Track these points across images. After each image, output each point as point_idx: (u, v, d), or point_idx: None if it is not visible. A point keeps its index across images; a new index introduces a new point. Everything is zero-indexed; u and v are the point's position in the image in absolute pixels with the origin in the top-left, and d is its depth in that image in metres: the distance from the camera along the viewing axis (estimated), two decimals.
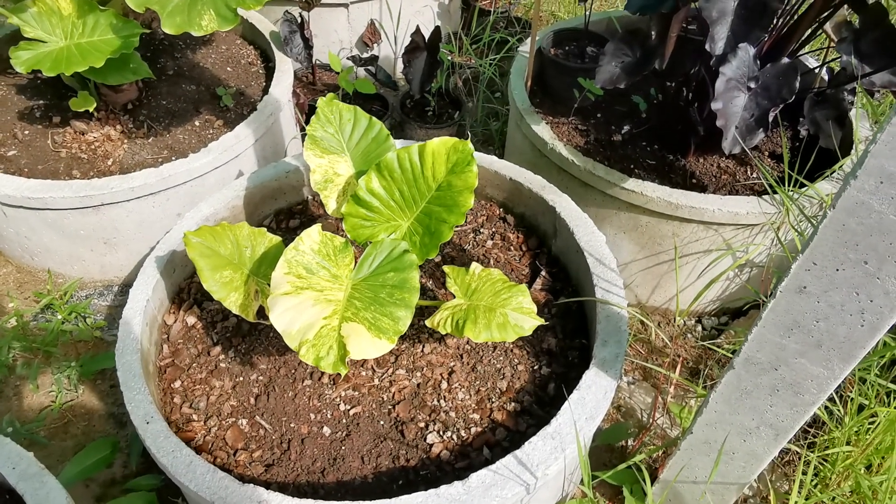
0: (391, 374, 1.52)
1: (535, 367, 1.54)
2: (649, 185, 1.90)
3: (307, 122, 1.48)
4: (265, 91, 2.33)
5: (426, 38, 2.48)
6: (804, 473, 1.55)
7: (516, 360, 1.55)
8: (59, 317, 2.03)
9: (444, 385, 1.50)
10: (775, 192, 1.86)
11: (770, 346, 1.04)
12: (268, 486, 1.33)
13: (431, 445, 1.40)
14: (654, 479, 1.55)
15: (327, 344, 1.13)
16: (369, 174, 1.36)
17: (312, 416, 1.45)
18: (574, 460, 1.31)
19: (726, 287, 2.10)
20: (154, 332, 1.58)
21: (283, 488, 1.33)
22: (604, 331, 1.47)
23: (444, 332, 1.33)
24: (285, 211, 1.95)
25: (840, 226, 0.85)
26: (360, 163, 1.51)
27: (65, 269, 2.17)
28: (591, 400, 1.34)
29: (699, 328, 2.18)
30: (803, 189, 1.85)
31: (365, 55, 2.86)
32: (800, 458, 1.58)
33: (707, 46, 1.62)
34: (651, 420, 1.86)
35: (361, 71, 2.77)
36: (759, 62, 1.62)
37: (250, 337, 1.59)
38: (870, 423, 1.60)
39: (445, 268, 1.46)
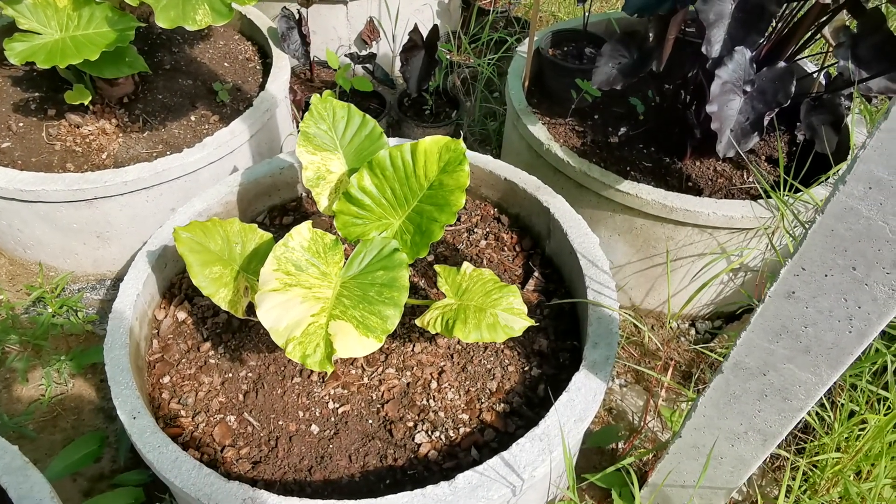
0: (381, 373, 1.51)
1: (526, 368, 1.54)
2: (644, 187, 1.89)
3: (304, 118, 1.48)
4: (262, 87, 2.33)
5: (424, 37, 2.48)
6: (793, 479, 1.54)
7: (507, 361, 1.55)
8: (50, 310, 2.02)
9: (434, 385, 1.49)
10: (770, 197, 1.86)
11: (759, 350, 1.03)
12: (254, 483, 1.32)
13: (419, 445, 1.39)
14: (643, 482, 1.55)
15: (314, 342, 1.13)
16: (361, 172, 1.36)
17: (301, 413, 1.45)
18: (562, 462, 1.30)
19: (721, 291, 2.10)
20: (144, 326, 1.57)
21: (269, 486, 1.33)
22: (595, 333, 1.47)
23: (433, 332, 1.33)
24: (279, 207, 1.94)
25: (829, 231, 0.85)
26: (353, 160, 1.50)
27: (57, 263, 2.17)
28: (581, 402, 1.34)
29: (693, 332, 2.18)
30: (798, 194, 1.85)
31: (363, 53, 2.85)
32: (789, 464, 1.57)
33: (703, 49, 1.61)
34: (642, 423, 1.85)
35: (359, 68, 2.76)
36: (755, 66, 1.62)
37: (240, 333, 1.59)
38: (860, 430, 1.60)
39: (437, 267, 1.45)
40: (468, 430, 1.42)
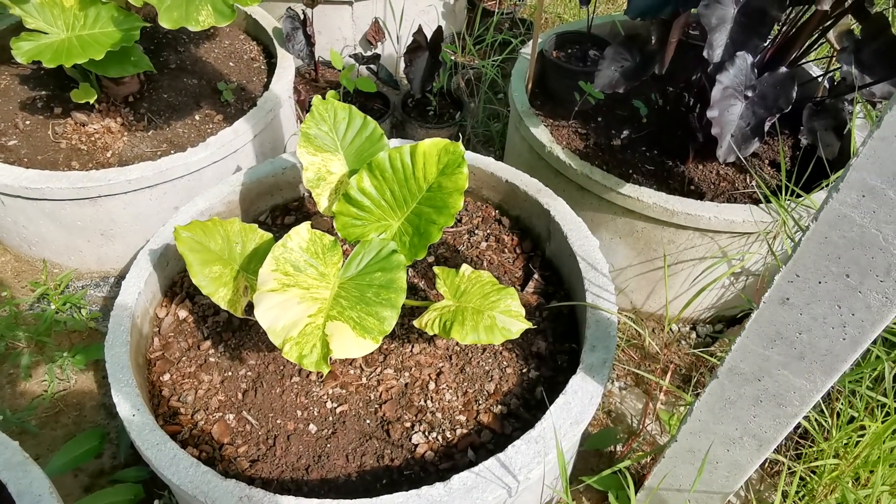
0: (379, 374, 1.52)
1: (524, 370, 1.54)
2: (646, 190, 1.89)
3: (305, 119, 1.49)
4: (266, 87, 2.34)
5: (428, 38, 2.48)
6: (789, 484, 1.54)
7: (505, 363, 1.55)
8: (54, 307, 2.04)
9: (432, 386, 1.50)
10: (771, 202, 1.86)
11: (753, 356, 1.03)
12: (251, 481, 1.33)
13: (416, 446, 1.40)
14: (640, 485, 1.55)
15: (311, 342, 1.13)
16: (361, 173, 1.36)
17: (299, 412, 1.45)
18: (558, 464, 1.30)
19: (721, 295, 2.09)
20: (145, 324, 1.59)
21: (266, 484, 1.34)
22: (593, 336, 1.47)
23: (431, 333, 1.33)
24: (281, 207, 1.95)
25: (822, 238, 0.85)
26: (354, 161, 1.51)
27: (62, 260, 2.19)
28: (577, 405, 1.34)
29: (693, 335, 2.18)
30: (800, 199, 1.85)
31: (368, 53, 2.86)
32: (786, 469, 1.57)
33: (705, 53, 1.61)
34: (641, 426, 1.85)
35: (364, 69, 2.77)
36: (756, 71, 1.62)
37: (240, 332, 1.60)
38: (859, 436, 1.59)
39: (436, 269, 1.46)
40: (465, 431, 1.43)
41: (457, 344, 1.58)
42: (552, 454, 1.26)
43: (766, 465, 1.78)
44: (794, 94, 1.57)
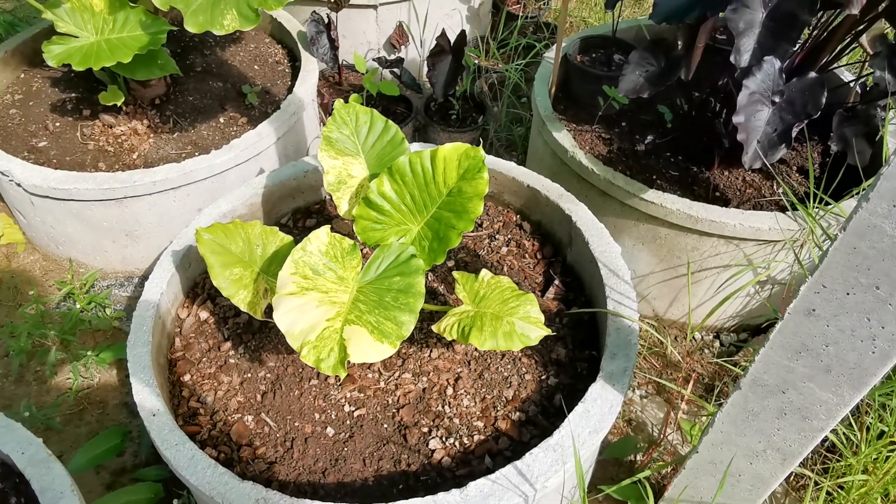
0: (397, 378, 1.51)
1: (543, 377, 1.53)
2: (669, 196, 1.87)
3: (326, 123, 1.49)
4: (290, 90, 2.35)
5: (451, 42, 2.48)
6: (815, 499, 1.50)
7: (524, 370, 1.54)
8: (79, 306, 2.07)
9: (450, 391, 1.49)
10: (798, 209, 1.82)
11: (777, 368, 1.01)
12: (269, 483, 1.34)
13: (433, 451, 1.39)
14: (660, 496, 1.52)
15: (328, 346, 1.13)
16: (381, 177, 1.36)
17: (317, 415, 1.46)
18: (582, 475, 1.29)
19: (746, 303, 2.06)
20: (167, 324, 1.60)
21: (283, 487, 1.34)
22: (613, 343, 1.45)
23: (449, 339, 1.33)
24: (303, 210, 1.96)
25: (851, 249, 0.83)
26: (375, 165, 1.51)
27: (88, 259, 2.22)
28: (596, 413, 1.32)
29: (717, 344, 2.14)
30: (829, 207, 1.81)
31: (392, 57, 2.87)
32: (812, 483, 1.54)
33: (732, 58, 1.58)
34: (661, 436, 1.82)
35: (387, 73, 2.78)
36: (784, 76, 1.59)
37: (260, 334, 1.61)
38: (889, 451, 1.55)
39: (455, 274, 1.45)
40: (482, 437, 1.42)
41: (475, 349, 1.57)
42: (570, 462, 1.25)
43: (792, 478, 1.74)
44: (824, 100, 1.53)
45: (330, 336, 1.15)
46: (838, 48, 1.82)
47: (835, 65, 1.88)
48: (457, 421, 1.44)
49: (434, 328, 1.35)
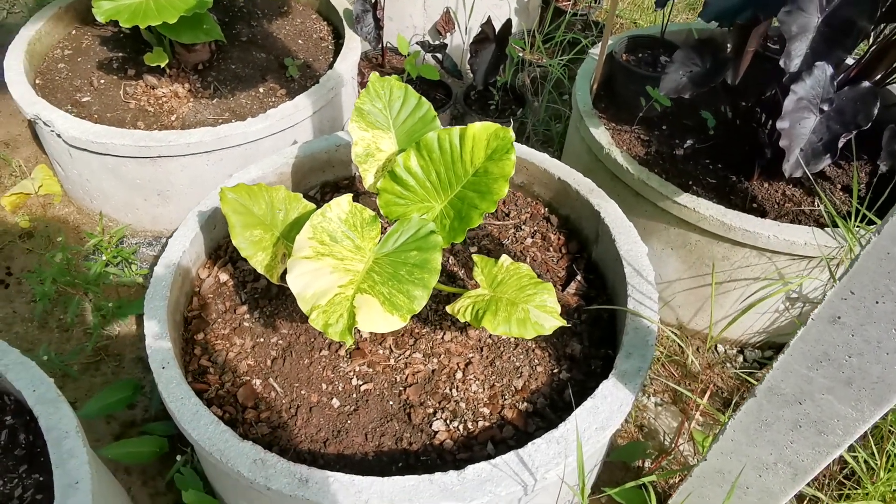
0: (408, 357, 1.50)
1: (555, 371, 1.50)
2: (703, 201, 1.82)
3: (360, 95, 1.49)
4: (331, 66, 2.36)
5: (496, 31, 2.46)
6: None
7: (536, 361, 1.51)
8: (105, 258, 2.10)
9: (460, 375, 1.47)
10: (837, 226, 1.75)
11: (796, 377, 0.97)
12: (269, 447, 1.34)
13: (436, 432, 1.37)
14: None
15: (338, 312, 1.13)
16: (408, 152, 1.35)
17: (324, 386, 1.45)
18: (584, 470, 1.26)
19: (774, 320, 1.99)
20: (186, 283, 1.62)
21: (283, 452, 1.34)
22: (630, 343, 1.42)
23: (463, 321, 1.31)
24: (332, 184, 1.96)
25: (884, 254, 0.78)
26: (404, 141, 1.50)
27: (119, 216, 2.26)
28: (605, 410, 1.29)
29: (740, 359, 2.08)
30: (871, 227, 1.74)
31: (436, 43, 2.85)
32: None
33: (782, 62, 1.53)
34: (674, 444, 1.78)
35: (430, 57, 2.77)
36: (836, 85, 1.53)
37: (277, 301, 1.61)
38: None
39: (475, 256, 1.43)
40: (487, 424, 1.40)
41: (489, 336, 1.55)
42: (573, 456, 1.22)
43: (807, 502, 1.68)
44: (875, 111, 1.47)
45: (340, 302, 1.14)
46: (895, 64, 1.74)
47: (889, 81, 1.80)
48: (463, 405, 1.42)
49: (448, 309, 1.33)
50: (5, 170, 2.47)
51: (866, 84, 1.53)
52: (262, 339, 1.54)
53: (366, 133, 1.48)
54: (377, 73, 1.51)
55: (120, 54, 2.38)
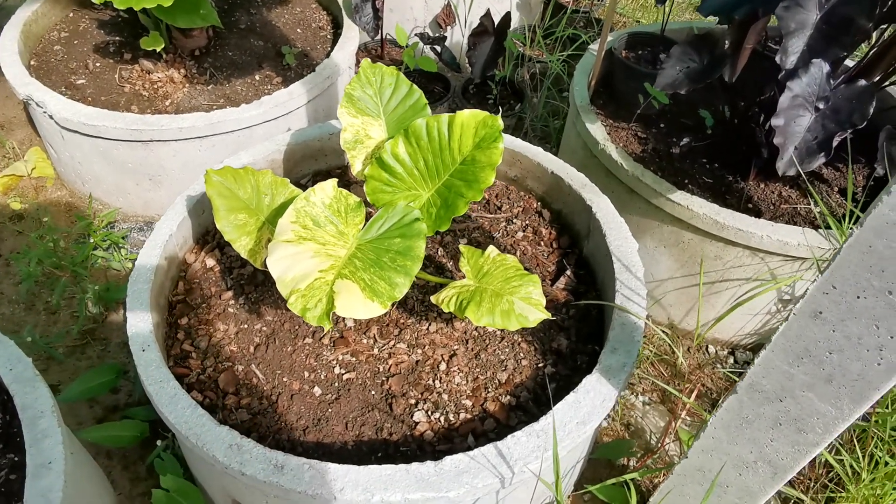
0: (392, 347, 1.49)
1: (540, 365, 1.48)
2: (697, 199, 1.80)
3: (350, 81, 1.47)
4: (328, 56, 2.34)
5: (495, 23, 2.44)
6: None
7: (522, 355, 1.50)
8: (93, 240, 2.09)
9: (443, 367, 1.46)
10: (831, 227, 1.73)
11: (777, 373, 0.95)
12: (248, 433, 1.32)
13: (417, 423, 1.36)
14: (645, 503, 1.47)
15: (317, 296, 1.11)
16: (396, 139, 1.34)
17: (306, 374, 1.44)
18: (559, 464, 1.24)
19: (766, 322, 1.98)
20: (172, 267, 1.60)
21: (262, 438, 1.33)
22: (615, 338, 1.40)
23: (447, 311, 1.29)
24: (324, 173, 1.95)
25: (866, 247, 0.77)
26: (394, 128, 1.48)
27: (111, 200, 2.25)
28: (587, 405, 1.28)
29: (731, 360, 2.06)
30: None
31: (435, 35, 2.84)
32: None
33: (778, 59, 1.51)
34: (660, 444, 1.76)
35: (428, 49, 2.75)
36: (832, 82, 1.51)
37: (262, 287, 1.60)
38: (894, 488, 1.47)
39: (462, 247, 1.42)
40: (469, 416, 1.38)
41: (475, 329, 1.53)
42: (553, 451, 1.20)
43: None
44: (871, 110, 1.45)
45: (320, 287, 1.13)
46: (894, 66, 1.72)
47: (887, 83, 1.78)
48: (445, 397, 1.41)
49: (433, 299, 1.32)
50: None
51: (862, 82, 1.51)
52: (246, 326, 1.53)
53: (355, 119, 1.46)
54: (369, 60, 1.50)
55: (117, 38, 2.37)
